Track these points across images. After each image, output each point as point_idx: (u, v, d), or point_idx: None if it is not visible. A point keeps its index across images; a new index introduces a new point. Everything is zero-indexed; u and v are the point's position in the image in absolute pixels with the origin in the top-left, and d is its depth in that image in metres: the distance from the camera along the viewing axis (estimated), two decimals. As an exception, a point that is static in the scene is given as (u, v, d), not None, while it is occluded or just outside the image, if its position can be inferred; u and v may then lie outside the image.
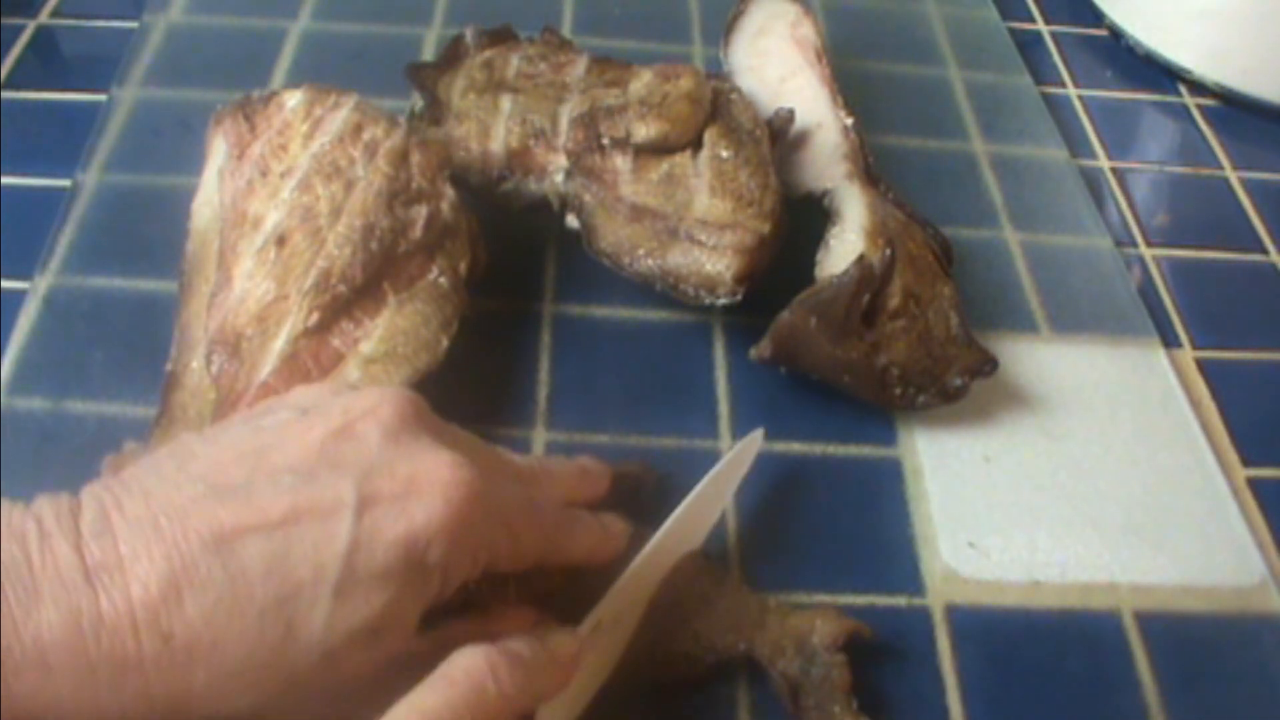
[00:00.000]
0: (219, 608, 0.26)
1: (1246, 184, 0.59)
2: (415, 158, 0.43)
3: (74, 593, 0.25)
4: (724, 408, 0.45)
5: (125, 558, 0.26)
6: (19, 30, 0.59)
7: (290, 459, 0.29)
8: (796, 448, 0.44)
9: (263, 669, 0.27)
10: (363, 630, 0.28)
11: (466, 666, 0.28)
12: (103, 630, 0.25)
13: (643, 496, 0.40)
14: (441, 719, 0.27)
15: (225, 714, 0.27)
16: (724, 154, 0.46)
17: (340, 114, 0.43)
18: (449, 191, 0.43)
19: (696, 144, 0.47)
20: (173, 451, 0.30)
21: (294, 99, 0.44)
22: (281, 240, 0.40)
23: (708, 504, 0.39)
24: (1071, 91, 0.64)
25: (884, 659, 0.38)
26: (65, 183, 0.50)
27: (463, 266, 0.43)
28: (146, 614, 0.26)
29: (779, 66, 0.55)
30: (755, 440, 0.40)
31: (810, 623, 0.36)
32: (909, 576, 0.40)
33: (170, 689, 0.26)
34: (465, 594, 0.34)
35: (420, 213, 0.42)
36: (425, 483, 0.29)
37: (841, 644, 0.36)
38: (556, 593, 0.35)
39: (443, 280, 0.42)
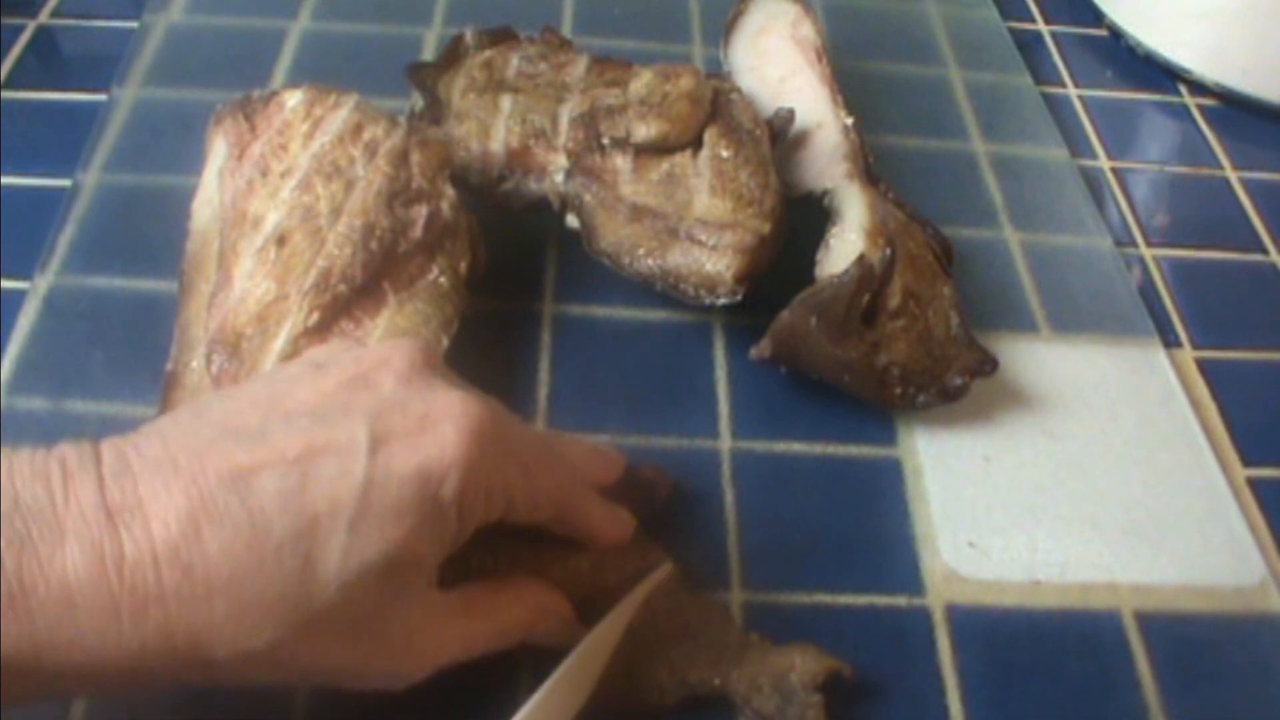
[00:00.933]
0: (237, 541, 0.26)
1: (1246, 184, 0.59)
2: (415, 157, 0.43)
3: (97, 530, 0.26)
4: (724, 408, 0.45)
5: (145, 497, 0.26)
6: (19, 30, 0.59)
7: (304, 404, 0.30)
8: (796, 448, 0.44)
9: (280, 602, 0.27)
10: (379, 565, 0.28)
11: None
12: (125, 565, 0.26)
13: (655, 503, 0.40)
14: None
15: (244, 651, 0.27)
16: (724, 154, 0.46)
17: (340, 114, 0.43)
18: (449, 191, 0.43)
19: (696, 144, 0.47)
20: (189, 405, 0.31)
21: (294, 99, 0.44)
22: (281, 240, 0.40)
23: (611, 635, 0.35)
24: (1071, 91, 0.64)
25: (884, 659, 0.38)
26: (65, 183, 0.50)
27: (463, 266, 0.43)
28: (167, 549, 0.26)
29: (779, 66, 0.55)
30: (660, 576, 0.37)
31: (790, 660, 0.35)
32: (909, 576, 0.40)
33: (190, 623, 0.26)
34: (486, 559, 0.34)
35: (420, 212, 0.42)
36: (438, 418, 0.29)
37: (820, 683, 0.35)
38: (576, 581, 0.35)
39: (443, 280, 0.42)
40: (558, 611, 0.35)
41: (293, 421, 0.29)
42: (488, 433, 0.30)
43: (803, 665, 0.35)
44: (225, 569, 0.26)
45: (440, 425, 0.29)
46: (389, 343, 0.33)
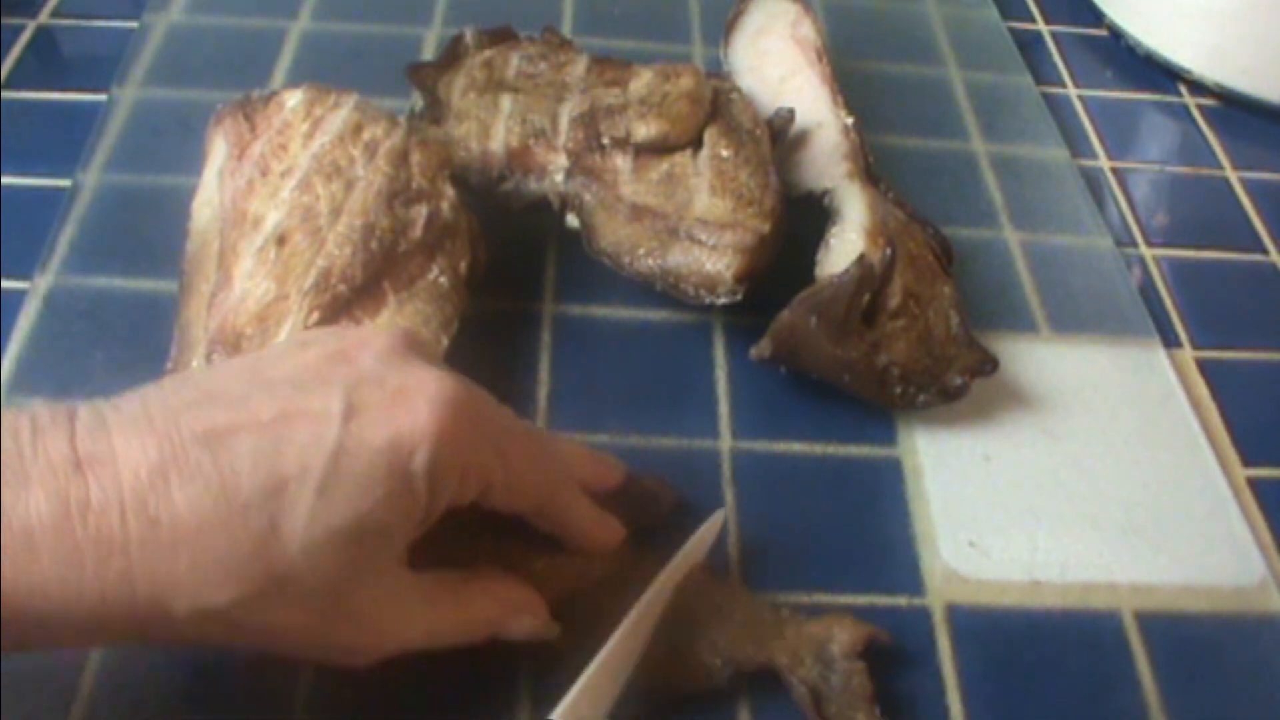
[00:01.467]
0: (205, 496, 0.27)
1: (1246, 184, 0.59)
2: (415, 157, 0.43)
3: (64, 479, 0.26)
4: (724, 408, 0.45)
5: (117, 449, 0.27)
6: (19, 30, 0.59)
7: (285, 374, 0.30)
8: (796, 448, 0.44)
9: (244, 561, 0.27)
10: (344, 532, 0.28)
11: None
12: (90, 513, 0.26)
13: (656, 515, 0.39)
14: None
15: (204, 608, 0.27)
16: (724, 153, 0.46)
17: (340, 114, 0.43)
18: (449, 191, 0.43)
19: (697, 143, 0.47)
20: (174, 376, 0.31)
21: (294, 99, 0.44)
22: (281, 240, 0.40)
23: (649, 618, 0.36)
24: (1071, 91, 0.64)
25: (884, 659, 0.37)
26: (65, 183, 0.50)
27: (463, 266, 0.43)
28: (135, 498, 0.26)
29: (779, 66, 0.55)
30: (716, 523, 0.39)
31: (827, 630, 0.36)
32: (909, 576, 0.40)
33: (153, 575, 0.26)
34: (468, 551, 0.34)
35: (420, 212, 0.42)
36: (413, 393, 0.30)
37: (860, 650, 0.35)
38: (560, 578, 0.35)
39: (443, 280, 0.42)
40: (529, 608, 0.34)
41: (271, 389, 0.29)
42: (463, 410, 0.30)
43: (840, 634, 0.36)
44: (191, 523, 0.26)
45: (415, 399, 0.30)
46: (374, 328, 0.33)
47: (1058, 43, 0.68)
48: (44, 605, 0.26)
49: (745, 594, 0.37)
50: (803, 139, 0.51)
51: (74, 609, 0.26)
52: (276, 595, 0.28)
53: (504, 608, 0.34)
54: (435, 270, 0.42)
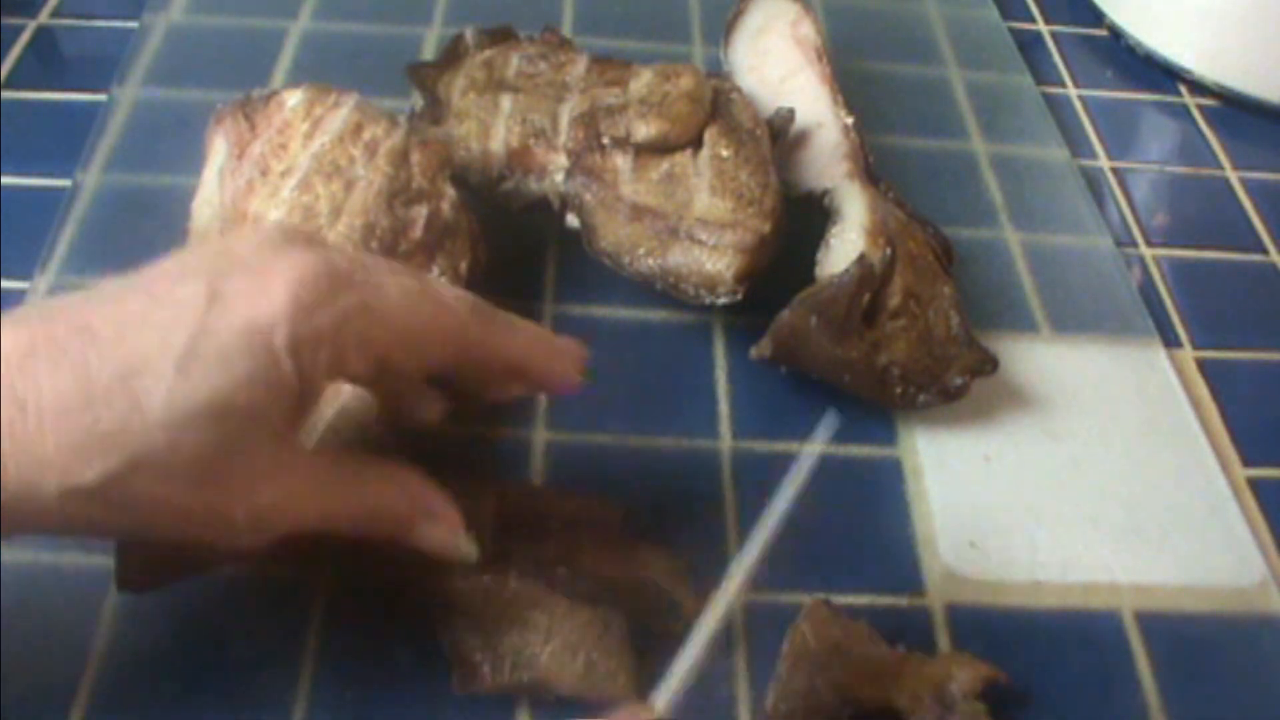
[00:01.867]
0: (69, 378, 0.28)
1: (1246, 184, 0.59)
2: (415, 157, 0.43)
3: None
4: (724, 408, 0.45)
5: (3, 341, 0.28)
6: (19, 30, 0.59)
7: (165, 272, 0.31)
8: (796, 448, 0.44)
9: (109, 437, 0.28)
10: (206, 408, 0.29)
11: None
12: None
13: (663, 624, 0.36)
14: None
15: (73, 487, 0.28)
16: (724, 153, 0.46)
17: (340, 113, 0.43)
18: (449, 191, 0.43)
19: (697, 143, 0.47)
20: None
21: (294, 98, 0.44)
22: (281, 240, 0.40)
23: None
24: (1071, 91, 0.64)
25: (884, 659, 0.38)
26: (65, 183, 0.50)
27: (463, 266, 0.43)
28: (7, 385, 0.28)
29: (779, 66, 0.55)
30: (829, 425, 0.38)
31: (946, 670, 0.36)
32: (909, 576, 0.40)
33: (20, 458, 0.28)
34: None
35: (420, 212, 0.42)
36: (273, 276, 0.30)
37: (980, 691, 0.35)
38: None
39: (443, 280, 0.42)
40: (443, 516, 0.33)
41: (148, 287, 0.30)
42: (320, 284, 0.30)
43: (960, 674, 0.35)
44: (55, 405, 0.28)
45: (274, 281, 0.30)
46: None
47: (1058, 43, 0.68)
48: None
49: (863, 631, 0.37)
50: (803, 139, 0.51)
51: None
52: (150, 472, 0.28)
53: (410, 504, 0.33)
54: (435, 270, 0.42)
